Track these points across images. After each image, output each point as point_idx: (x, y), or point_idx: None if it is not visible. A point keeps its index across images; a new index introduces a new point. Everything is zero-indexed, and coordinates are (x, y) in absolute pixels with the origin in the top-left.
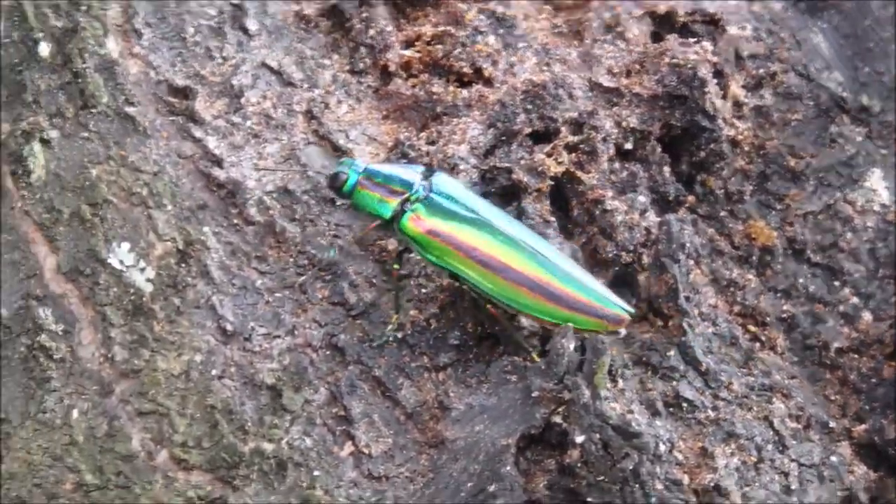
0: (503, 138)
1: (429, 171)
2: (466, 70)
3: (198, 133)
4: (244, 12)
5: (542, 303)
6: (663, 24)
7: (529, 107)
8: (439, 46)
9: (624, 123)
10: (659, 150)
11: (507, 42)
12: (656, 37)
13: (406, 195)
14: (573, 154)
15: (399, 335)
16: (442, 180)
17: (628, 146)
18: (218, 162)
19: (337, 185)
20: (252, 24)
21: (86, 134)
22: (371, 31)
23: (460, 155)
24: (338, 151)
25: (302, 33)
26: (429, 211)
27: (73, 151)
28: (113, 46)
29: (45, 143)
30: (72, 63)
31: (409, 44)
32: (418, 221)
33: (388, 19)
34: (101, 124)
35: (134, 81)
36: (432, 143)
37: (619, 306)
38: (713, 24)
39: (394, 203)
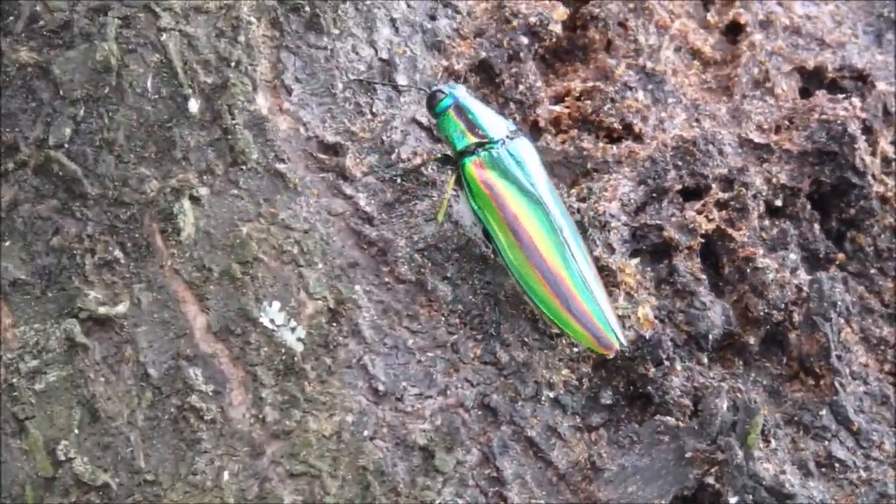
0: (654, 195)
1: (516, 132)
2: (616, 126)
3: (348, 190)
4: (394, 67)
5: (548, 295)
6: (811, 80)
7: (680, 163)
8: (588, 102)
9: (774, 180)
10: (808, 206)
11: (656, 97)
12: (805, 93)
13: (485, 141)
14: (723, 211)
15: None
16: (521, 145)
17: (778, 203)
18: (369, 219)
19: (432, 102)
20: (402, 80)
21: (236, 191)
22: (520, 87)
23: (611, 212)
24: None
25: None
26: (493, 164)
27: (222, 209)
28: (262, 102)
29: (195, 200)
30: (221, 119)
31: (558, 99)
32: (479, 168)
33: (537, 75)
34: (251, 181)
35: (284, 138)
36: (583, 199)
37: (614, 334)
38: (861, 80)
39: (470, 140)
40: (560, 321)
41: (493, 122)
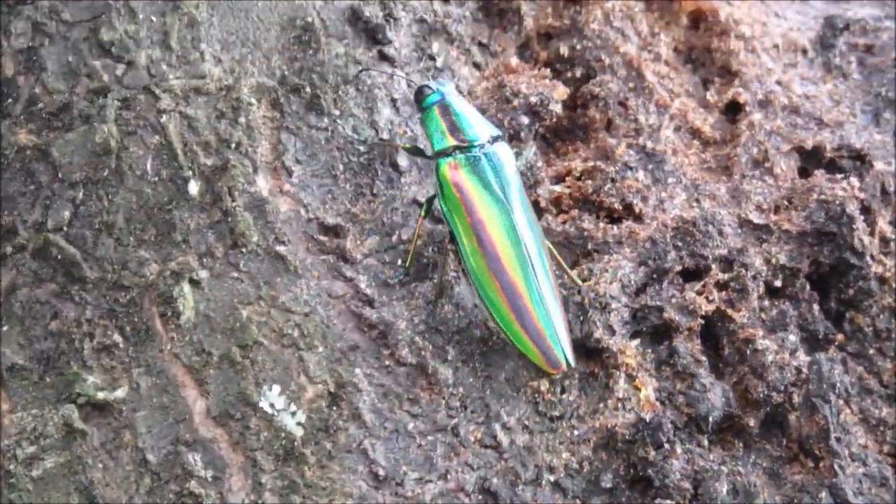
0: (654, 276)
1: (496, 138)
2: (616, 206)
3: (349, 272)
4: (394, 148)
5: (504, 307)
6: (810, 160)
7: (680, 244)
8: (589, 182)
9: (773, 260)
10: (808, 287)
11: (656, 177)
12: (803, 172)
13: (465, 145)
14: (723, 292)
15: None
16: (500, 151)
17: (777, 283)
18: (369, 302)
19: (419, 97)
20: (402, 161)
21: (236, 274)
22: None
23: (611, 294)
24: None
25: None
26: (468, 168)
27: (222, 292)
28: (263, 184)
29: (195, 283)
30: (221, 201)
31: (559, 179)
32: (453, 170)
33: (538, 154)
34: (251, 264)
35: (284, 220)
36: (584, 280)
37: (563, 353)
38: (860, 159)
39: (449, 142)
40: (512, 334)
41: (476, 125)
